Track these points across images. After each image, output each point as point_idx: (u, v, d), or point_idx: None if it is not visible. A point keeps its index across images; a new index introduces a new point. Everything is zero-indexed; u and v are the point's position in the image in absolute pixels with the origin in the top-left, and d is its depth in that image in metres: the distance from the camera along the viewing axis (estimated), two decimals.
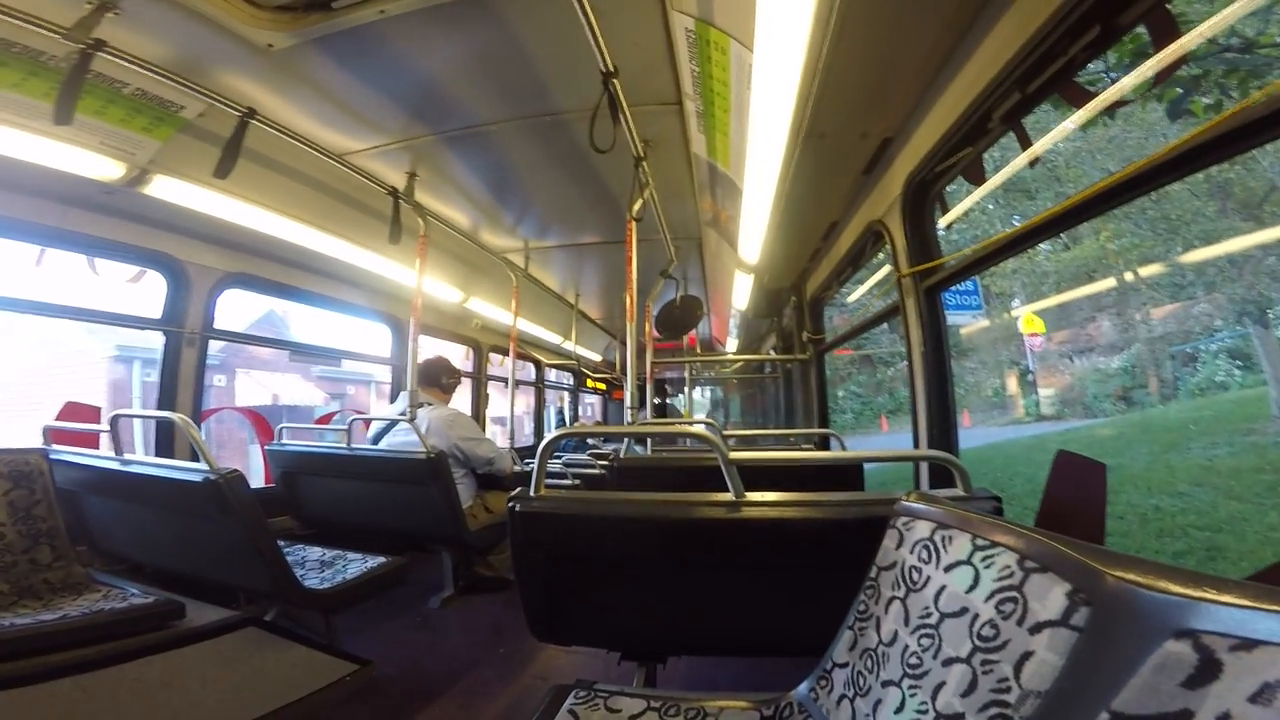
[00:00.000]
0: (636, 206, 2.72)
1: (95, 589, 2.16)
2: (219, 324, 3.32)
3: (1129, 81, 1.63)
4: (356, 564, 2.63)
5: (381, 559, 2.68)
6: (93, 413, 2.99)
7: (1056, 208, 1.65)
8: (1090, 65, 1.57)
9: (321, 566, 2.62)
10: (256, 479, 3.42)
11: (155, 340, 3.06)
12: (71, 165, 2.24)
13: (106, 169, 2.32)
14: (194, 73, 2.14)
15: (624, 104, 2.14)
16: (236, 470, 2.01)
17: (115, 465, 2.24)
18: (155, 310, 3.07)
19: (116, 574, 2.35)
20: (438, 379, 3.79)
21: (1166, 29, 1.38)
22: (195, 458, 2.06)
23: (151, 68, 2.01)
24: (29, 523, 2.16)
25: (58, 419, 2.73)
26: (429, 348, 4.49)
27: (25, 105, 1.98)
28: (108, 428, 2.32)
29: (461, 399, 5.71)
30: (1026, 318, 13.14)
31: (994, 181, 2.24)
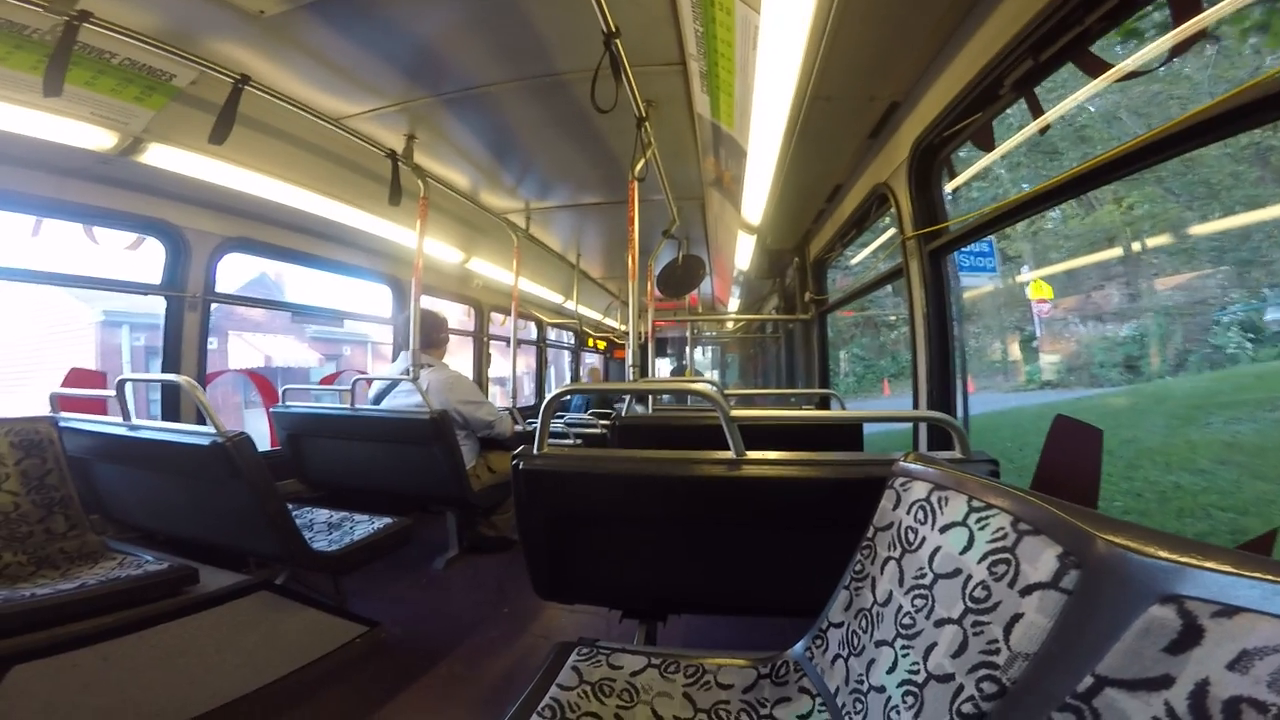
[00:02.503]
0: (639, 167, 2.69)
1: (110, 557, 2.20)
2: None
3: (1146, 53, 1.59)
4: (363, 525, 2.67)
5: (387, 520, 2.72)
6: (99, 378, 3.01)
7: (1062, 175, 1.64)
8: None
9: (329, 529, 2.66)
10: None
11: (146, 304, 3.04)
12: (65, 136, 2.22)
13: (100, 139, 2.30)
14: (184, 41, 2.11)
15: (626, 64, 2.10)
16: (244, 433, 2.02)
17: (123, 431, 2.25)
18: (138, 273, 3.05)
19: (130, 541, 2.38)
20: (432, 337, 3.77)
21: (1187, 2, 1.35)
22: (202, 421, 2.07)
23: (140, 37, 1.98)
24: (42, 492, 2.19)
25: (64, 385, 2.75)
26: (430, 307, 4.48)
27: (14, 79, 1.95)
28: (114, 393, 2.34)
29: (463, 359, 5.74)
30: (1034, 283, 12.54)
31: (1004, 147, 2.21)
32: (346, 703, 2.12)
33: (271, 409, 3.54)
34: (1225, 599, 0.58)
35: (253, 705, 2.06)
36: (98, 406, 2.67)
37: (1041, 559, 0.83)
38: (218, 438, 1.98)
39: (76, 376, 2.95)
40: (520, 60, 2.46)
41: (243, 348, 13.56)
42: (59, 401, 2.53)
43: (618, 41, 1.99)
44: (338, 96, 2.68)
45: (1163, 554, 0.67)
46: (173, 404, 3.07)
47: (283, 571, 2.47)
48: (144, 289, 3.10)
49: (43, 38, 1.88)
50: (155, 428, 2.25)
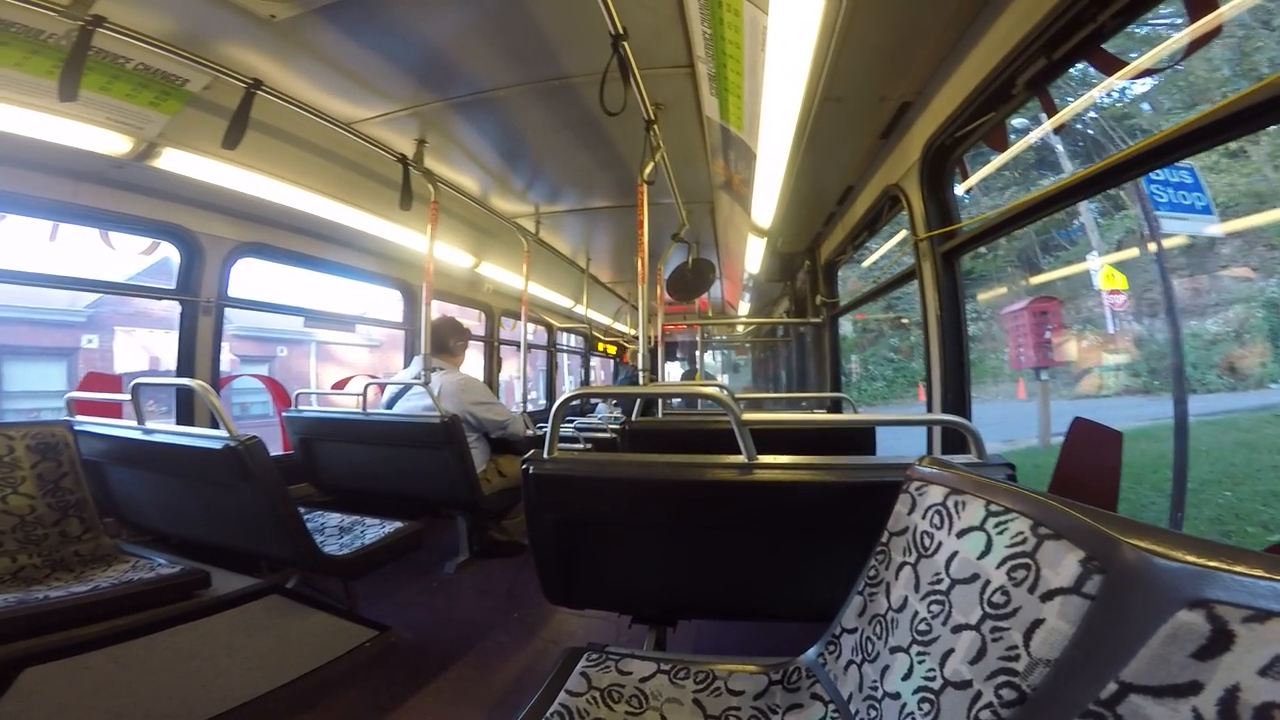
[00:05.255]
0: (648, 170, 2.69)
1: (124, 560, 2.20)
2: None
3: (1161, 50, 1.58)
4: (374, 529, 2.67)
5: (398, 524, 2.72)
6: (115, 382, 3.04)
7: (1079, 174, 1.62)
8: None
9: (340, 533, 2.67)
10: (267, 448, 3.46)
11: None
12: (80, 141, 2.25)
13: (115, 144, 2.33)
14: (197, 46, 2.14)
15: (635, 67, 2.10)
16: (256, 437, 2.03)
17: (137, 435, 2.26)
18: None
19: (143, 544, 2.39)
20: (445, 342, 3.78)
21: None
22: (215, 425, 2.08)
23: (153, 42, 2.01)
24: (57, 495, 2.20)
25: (79, 389, 2.77)
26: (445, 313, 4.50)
27: (29, 83, 1.98)
28: (129, 397, 2.35)
29: (474, 364, 5.75)
30: (1105, 272, 10.75)
31: (1018, 147, 2.20)
32: (356, 706, 2.12)
33: (284, 413, 3.55)
34: (1258, 604, 0.56)
35: (263, 708, 2.06)
36: (116, 409, 2.69)
37: (1063, 564, 0.81)
38: (230, 441, 1.99)
39: (92, 380, 2.97)
40: (529, 63, 2.47)
41: (132, 347, 12.13)
42: (74, 405, 2.55)
43: (625, 44, 1.99)
44: (349, 101, 2.70)
45: (1190, 558, 0.65)
46: (187, 408, 3.09)
47: (294, 575, 2.47)
48: (160, 293, 3.13)
49: (58, 43, 1.91)
50: (168, 431, 2.26)
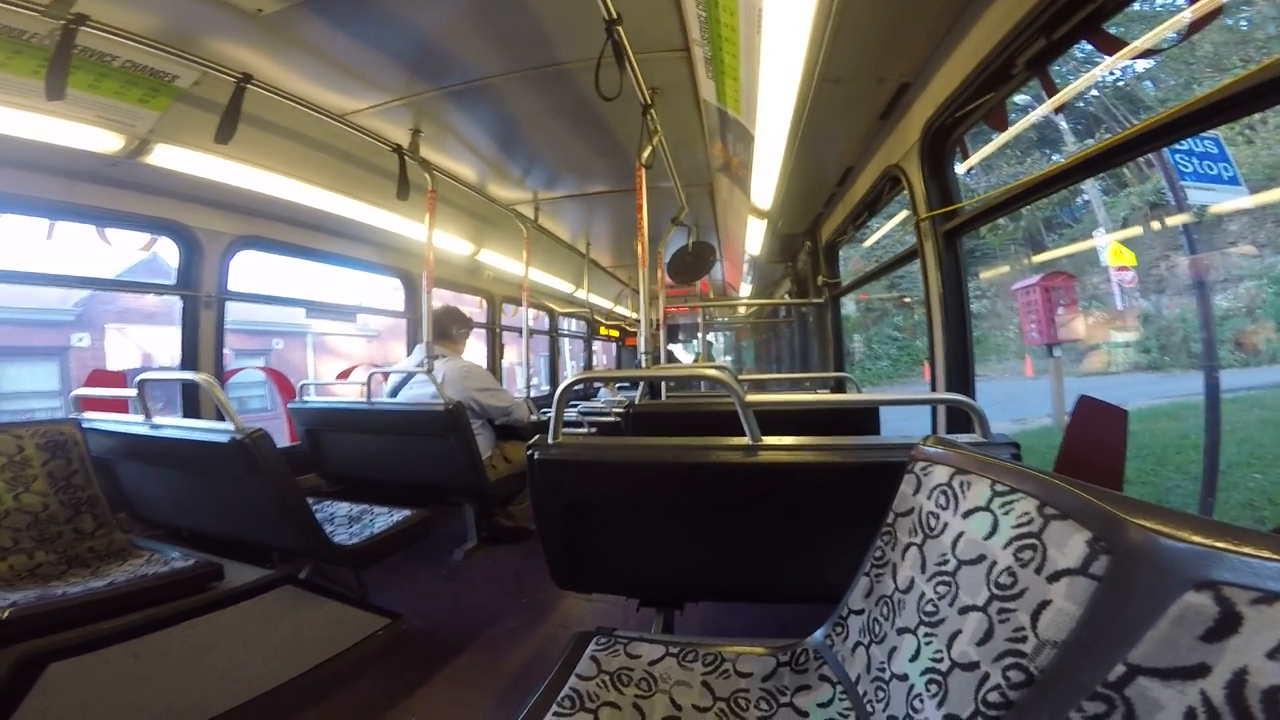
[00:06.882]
0: (646, 154, 2.67)
1: (137, 554, 2.22)
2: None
3: (1162, 29, 1.56)
4: (383, 518, 2.69)
5: (406, 512, 2.73)
6: (120, 379, 3.04)
7: (1079, 155, 1.61)
8: None
9: (350, 522, 2.69)
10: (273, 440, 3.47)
11: None
12: (71, 140, 2.24)
13: (106, 141, 2.32)
14: (184, 42, 2.12)
15: (629, 51, 2.08)
16: (262, 429, 2.04)
17: (145, 430, 2.27)
18: None
19: (156, 539, 2.41)
20: (447, 331, 3.79)
21: None
22: (221, 418, 2.09)
23: (139, 39, 2.00)
24: (69, 492, 2.22)
25: (85, 386, 2.78)
26: (446, 301, 4.49)
27: (16, 84, 1.97)
28: (135, 392, 2.36)
29: (477, 350, 5.76)
30: (1113, 248, 10.48)
31: (1018, 127, 2.19)
32: (371, 694, 2.14)
33: (289, 404, 3.57)
34: (1265, 585, 0.55)
35: (281, 699, 2.08)
36: (123, 405, 2.70)
37: (1069, 544, 0.81)
38: (236, 434, 2.00)
39: (98, 377, 2.98)
40: (522, 50, 2.44)
41: (124, 344, 11.95)
42: (81, 402, 2.55)
43: (620, 28, 1.97)
44: (341, 92, 2.68)
45: (1197, 539, 0.64)
46: (193, 402, 3.10)
47: (305, 565, 2.50)
48: (160, 289, 3.13)
49: (41, 42, 1.89)
50: (175, 426, 2.27)
